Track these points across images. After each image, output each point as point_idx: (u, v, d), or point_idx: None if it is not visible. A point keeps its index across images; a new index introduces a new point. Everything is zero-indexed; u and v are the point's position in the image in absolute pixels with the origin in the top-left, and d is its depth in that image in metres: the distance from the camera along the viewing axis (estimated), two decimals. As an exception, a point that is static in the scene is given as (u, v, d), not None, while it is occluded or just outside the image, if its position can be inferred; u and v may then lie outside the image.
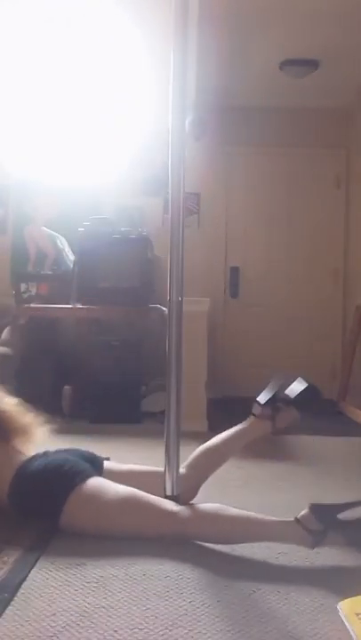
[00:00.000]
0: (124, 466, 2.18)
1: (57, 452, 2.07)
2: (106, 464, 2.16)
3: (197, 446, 2.20)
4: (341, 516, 1.80)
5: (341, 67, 4.31)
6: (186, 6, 2.04)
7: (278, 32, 3.82)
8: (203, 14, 3.26)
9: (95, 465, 2.09)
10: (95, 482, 1.93)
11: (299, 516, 1.79)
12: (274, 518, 1.84)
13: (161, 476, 2.05)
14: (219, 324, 5.11)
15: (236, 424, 2.18)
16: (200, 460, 2.18)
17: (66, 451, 2.10)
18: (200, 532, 1.87)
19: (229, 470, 2.46)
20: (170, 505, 1.92)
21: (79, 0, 3.17)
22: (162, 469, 2.06)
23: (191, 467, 2.16)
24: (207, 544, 1.86)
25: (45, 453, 2.06)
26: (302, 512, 1.80)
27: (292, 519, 1.79)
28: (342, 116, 5.14)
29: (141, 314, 3.90)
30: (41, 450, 2.11)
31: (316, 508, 1.79)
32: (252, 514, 1.86)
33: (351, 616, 1.40)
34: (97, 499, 1.88)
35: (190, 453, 2.18)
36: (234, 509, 1.89)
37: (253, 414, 2.16)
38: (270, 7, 3.51)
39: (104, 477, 2.02)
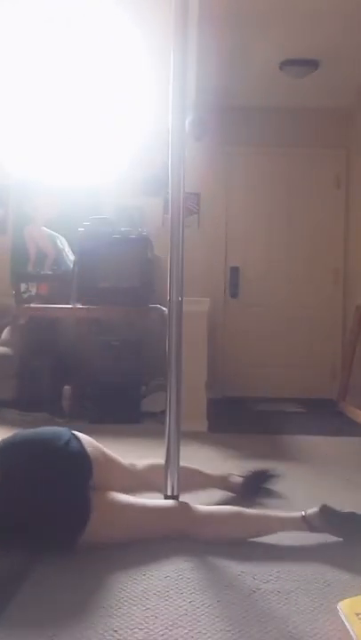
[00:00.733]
0: (128, 464, 2.12)
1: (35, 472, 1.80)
2: (94, 453, 1.99)
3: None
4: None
5: (341, 67, 4.31)
6: (186, 6, 2.05)
7: (278, 32, 3.82)
8: (203, 14, 3.26)
9: (78, 462, 1.92)
10: (106, 501, 1.80)
11: (306, 515, 1.89)
12: (281, 514, 1.95)
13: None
14: (219, 324, 5.10)
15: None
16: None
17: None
18: (214, 534, 1.87)
19: (230, 470, 2.47)
20: (184, 505, 1.93)
21: (79, 0, 3.17)
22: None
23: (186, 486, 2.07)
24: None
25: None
26: (311, 510, 1.89)
27: (300, 516, 1.89)
28: (342, 116, 5.14)
29: (141, 314, 3.90)
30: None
31: (325, 510, 1.87)
32: (260, 512, 1.97)
33: (351, 616, 1.40)
34: (115, 519, 1.80)
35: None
36: (248, 510, 1.95)
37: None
38: (270, 7, 3.51)
39: (94, 462, 1.91)
